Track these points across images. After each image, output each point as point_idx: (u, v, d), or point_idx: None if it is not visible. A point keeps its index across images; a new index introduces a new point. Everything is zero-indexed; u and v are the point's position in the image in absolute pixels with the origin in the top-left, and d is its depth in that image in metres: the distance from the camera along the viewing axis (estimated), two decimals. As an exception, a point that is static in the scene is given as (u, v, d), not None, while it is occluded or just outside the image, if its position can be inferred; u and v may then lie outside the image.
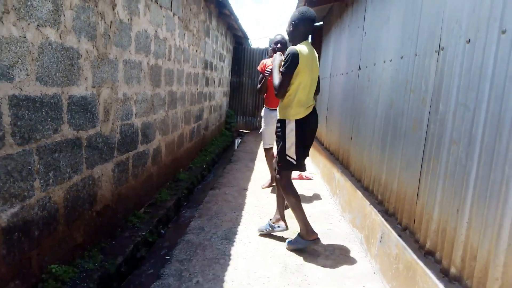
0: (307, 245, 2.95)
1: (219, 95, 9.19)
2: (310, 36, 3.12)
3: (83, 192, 2.65)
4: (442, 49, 1.97)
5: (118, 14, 3.02)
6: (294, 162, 2.91)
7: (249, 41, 12.62)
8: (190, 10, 5.51)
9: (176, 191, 4.61)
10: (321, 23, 7.15)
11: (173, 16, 4.62)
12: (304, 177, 5.47)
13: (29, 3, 1.96)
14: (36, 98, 2.07)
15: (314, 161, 6.42)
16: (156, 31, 3.98)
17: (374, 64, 3.26)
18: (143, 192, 3.89)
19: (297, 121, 2.86)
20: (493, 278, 1.42)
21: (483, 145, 1.56)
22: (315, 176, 5.65)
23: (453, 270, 1.71)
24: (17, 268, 1.99)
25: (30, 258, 2.10)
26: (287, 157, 2.91)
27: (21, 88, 1.94)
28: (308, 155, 3.07)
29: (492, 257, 1.44)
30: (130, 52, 3.32)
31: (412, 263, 2.00)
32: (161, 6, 4.11)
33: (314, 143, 6.78)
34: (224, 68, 9.59)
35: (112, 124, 3.05)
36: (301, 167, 3.01)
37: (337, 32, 5.37)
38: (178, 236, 3.39)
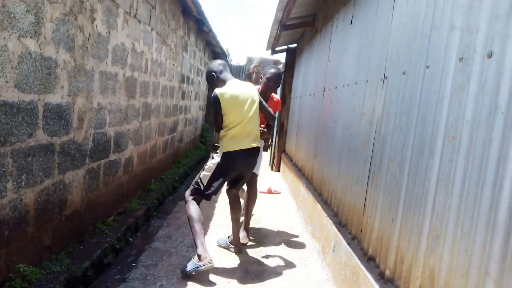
0: (197, 268, 2.67)
1: (195, 108, 9.36)
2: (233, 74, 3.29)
3: (54, 196, 2.75)
4: (386, 78, 2.24)
5: (96, 27, 3.19)
6: (202, 188, 2.97)
7: (228, 57, 12.92)
8: (169, 25, 5.71)
9: (146, 201, 4.70)
10: (295, 45, 7.51)
11: (151, 30, 4.81)
12: (273, 191, 5.68)
13: (12, 15, 2.10)
14: (13, 104, 2.19)
15: (284, 177, 6.65)
16: (133, 44, 4.15)
17: (336, 88, 3.55)
18: (113, 200, 3.98)
19: (224, 153, 2.93)
20: (414, 277, 1.64)
21: (411, 163, 1.81)
22: (284, 191, 5.87)
23: (387, 272, 1.93)
24: (-15, 265, 2.08)
25: (-2, 257, 2.19)
26: (199, 180, 3.00)
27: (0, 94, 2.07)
28: (222, 188, 3.09)
29: (415, 259, 1.67)
30: (107, 64, 3.47)
31: (357, 268, 2.21)
32: (139, 21, 4.29)
33: (285, 159, 7.01)
34: (201, 83, 9.78)
35: (86, 132, 3.17)
36: (207, 197, 3.00)
37: (307, 55, 5.70)
38: (145, 244, 3.50)
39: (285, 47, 7.58)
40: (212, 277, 2.81)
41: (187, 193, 3.06)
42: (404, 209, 1.83)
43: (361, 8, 2.93)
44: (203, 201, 3.06)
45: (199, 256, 2.69)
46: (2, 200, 2.17)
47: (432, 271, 1.52)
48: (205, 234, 3.75)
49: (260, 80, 3.80)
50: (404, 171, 1.86)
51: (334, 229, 2.85)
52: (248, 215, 3.70)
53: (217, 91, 2.91)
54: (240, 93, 2.94)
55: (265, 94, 3.71)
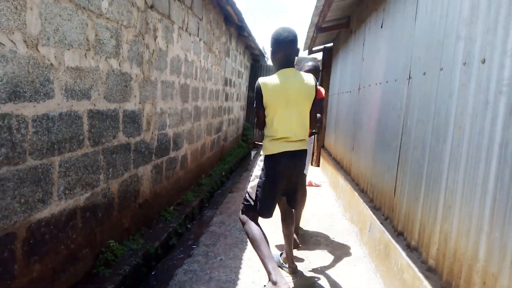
0: None
1: (237, 109, 9.90)
2: (296, 60, 2.65)
3: (130, 187, 3.32)
4: (411, 77, 2.58)
5: (158, 43, 3.74)
6: (252, 203, 2.53)
7: (265, 57, 13.38)
8: (213, 34, 6.25)
9: (200, 194, 5.26)
10: (331, 44, 7.82)
11: (199, 41, 5.35)
12: (313, 184, 6.05)
13: (101, 41, 2.66)
14: (103, 112, 2.75)
15: (324, 171, 6.99)
16: (186, 55, 4.70)
17: (369, 86, 3.88)
18: (173, 192, 4.55)
19: (266, 157, 2.50)
20: (433, 243, 1.99)
21: (430, 149, 2.15)
22: (324, 184, 6.23)
23: (413, 243, 2.29)
24: (87, 239, 2.65)
25: (95, 233, 2.76)
26: (247, 195, 2.58)
27: (94, 104, 2.63)
28: (276, 204, 2.59)
29: (433, 228, 2.02)
30: (166, 74, 4.03)
31: (388, 243, 2.58)
32: (190, 34, 4.83)
33: (324, 154, 7.35)
34: (242, 84, 10.31)
35: (152, 133, 3.74)
36: (262, 213, 2.54)
37: (343, 54, 6.03)
38: (203, 228, 4.03)
39: (322, 46, 7.91)
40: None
41: (241, 213, 2.64)
42: (425, 188, 2.18)
43: (390, 15, 3.26)
44: None
45: (274, 283, 2.26)
46: (97, 189, 2.74)
47: (446, 235, 1.87)
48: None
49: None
50: (425, 156, 2.21)
51: (369, 212, 3.22)
52: (298, 216, 3.53)
53: (261, 80, 2.47)
54: (289, 84, 2.44)
55: None
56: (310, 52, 7.97)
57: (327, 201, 5.12)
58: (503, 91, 1.48)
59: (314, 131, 3.50)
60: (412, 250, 2.28)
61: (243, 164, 8.51)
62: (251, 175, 2.63)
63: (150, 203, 3.83)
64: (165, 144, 4.13)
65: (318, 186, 6.05)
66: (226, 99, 8.05)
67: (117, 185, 3.04)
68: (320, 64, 9.32)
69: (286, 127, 2.47)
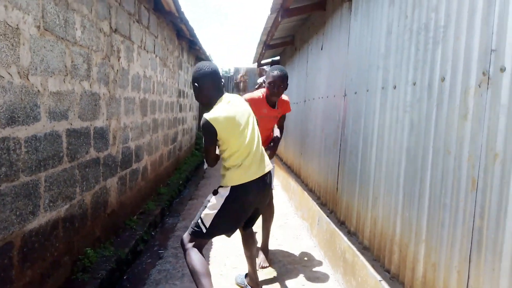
0: None
1: (190, 119, 10.20)
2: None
3: (101, 198, 3.57)
4: (346, 95, 3.14)
5: (121, 63, 4.03)
6: (204, 230, 2.33)
7: (214, 68, 13.79)
8: (168, 49, 6.57)
9: (160, 202, 5.52)
10: (278, 57, 8.43)
11: (155, 57, 5.65)
12: (266, 188, 6.54)
13: (76, 66, 2.94)
14: (78, 130, 3.02)
15: (276, 175, 7.53)
16: (144, 71, 4.99)
17: (313, 99, 4.45)
18: (136, 202, 4.80)
19: (233, 188, 2.30)
20: (366, 228, 2.54)
21: (362, 153, 2.70)
22: (277, 187, 6.75)
23: (352, 229, 2.83)
24: (67, 247, 2.89)
25: (73, 242, 3.00)
26: (199, 221, 2.36)
27: (71, 124, 2.89)
28: (234, 231, 2.46)
29: (366, 215, 2.56)
30: (128, 91, 4.31)
31: (333, 231, 3.10)
32: (147, 51, 5.13)
33: (276, 160, 7.90)
34: (193, 95, 10.63)
35: (117, 147, 4.00)
36: (208, 238, 2.44)
37: (289, 68, 6.62)
38: (168, 234, 4.34)
39: (270, 60, 8.49)
40: (227, 249, 3.65)
41: (185, 237, 2.41)
42: (359, 184, 2.73)
43: (328, 40, 3.84)
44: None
45: None
46: (74, 201, 2.99)
47: (375, 220, 2.41)
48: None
49: (263, 85, 3.15)
50: (358, 159, 2.75)
51: (317, 208, 3.75)
52: (266, 234, 3.36)
53: (208, 116, 2.25)
54: (235, 109, 2.35)
55: (270, 100, 3.14)
56: (259, 65, 8.53)
57: (280, 203, 5.62)
58: (407, 110, 2.03)
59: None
60: (352, 235, 2.82)
61: (198, 173, 8.82)
62: (206, 203, 2.39)
63: (117, 213, 4.07)
64: (128, 157, 4.39)
65: (272, 189, 6.56)
66: (180, 110, 8.34)
67: (90, 197, 3.29)
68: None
69: (248, 153, 2.31)
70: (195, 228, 2.38)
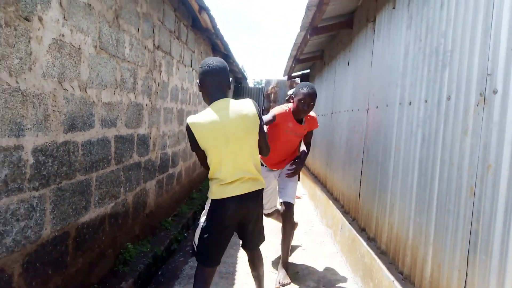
0: None
1: (222, 128, 10.59)
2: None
3: (141, 199, 3.92)
4: (369, 109, 3.34)
5: (162, 77, 4.41)
6: (195, 249, 2.25)
7: (246, 79, 14.21)
8: (203, 63, 6.98)
9: (192, 206, 5.86)
10: (308, 70, 8.68)
11: (192, 70, 6.05)
12: (294, 196, 6.75)
13: (124, 80, 3.31)
14: (124, 136, 3.38)
15: (303, 184, 7.72)
16: (182, 84, 5.38)
17: (340, 112, 4.65)
18: (171, 204, 5.15)
19: (212, 201, 2.18)
20: (384, 233, 2.72)
21: (382, 163, 2.89)
22: (304, 196, 6.94)
23: (371, 235, 3.00)
24: (111, 241, 3.23)
25: (116, 237, 3.35)
26: (193, 242, 2.31)
27: (119, 131, 3.26)
28: (221, 254, 2.27)
29: (384, 221, 2.74)
30: (167, 102, 4.69)
31: (355, 238, 3.28)
32: (185, 65, 5.53)
33: (304, 170, 8.10)
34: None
35: (156, 152, 4.36)
36: (202, 261, 2.22)
37: (318, 82, 6.86)
38: (199, 235, 4.64)
39: (300, 73, 8.75)
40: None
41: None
42: (378, 192, 2.91)
43: (354, 56, 4.06)
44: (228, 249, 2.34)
45: None
46: (118, 199, 3.34)
47: (391, 226, 2.59)
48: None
49: (291, 101, 3.14)
50: (378, 169, 2.94)
51: (341, 216, 3.93)
52: (285, 250, 3.25)
53: (189, 120, 2.14)
54: (224, 118, 2.09)
55: (297, 116, 3.13)
56: (290, 77, 8.80)
57: (306, 211, 5.81)
58: (420, 125, 2.22)
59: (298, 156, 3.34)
60: (371, 240, 3.00)
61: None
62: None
63: (154, 214, 4.42)
64: (165, 162, 4.75)
65: (299, 198, 6.75)
66: (213, 120, 8.75)
67: (132, 197, 3.64)
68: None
69: (231, 167, 2.11)
70: (192, 249, 2.29)
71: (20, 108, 1.95)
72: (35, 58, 2.05)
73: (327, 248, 4.05)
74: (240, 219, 2.22)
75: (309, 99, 3.01)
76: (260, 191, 2.25)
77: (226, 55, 8.40)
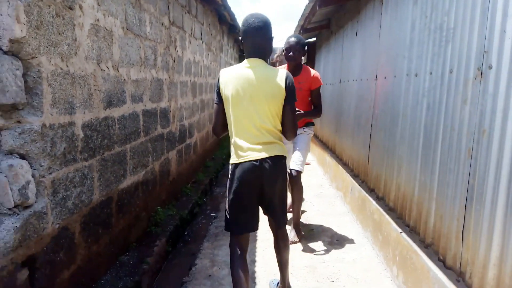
0: None
1: (230, 98, 10.81)
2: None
3: (165, 167, 4.24)
4: (377, 79, 3.56)
5: (177, 51, 4.61)
6: (228, 217, 2.17)
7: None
8: (211, 35, 7.11)
9: (208, 174, 6.21)
10: (314, 39, 8.76)
11: (202, 43, 6.22)
12: (303, 163, 7.07)
13: (147, 57, 3.54)
14: (149, 110, 3.65)
15: (312, 151, 8.03)
16: (194, 57, 5.58)
17: (348, 81, 4.86)
18: (189, 172, 5.48)
19: (231, 165, 2.15)
20: (391, 192, 3.02)
21: (390, 130, 3.16)
22: (313, 162, 7.26)
23: (380, 194, 3.32)
24: (144, 205, 3.57)
25: (148, 201, 3.69)
26: (225, 212, 2.21)
27: (145, 105, 3.53)
28: (249, 221, 2.17)
29: (391, 182, 3.04)
30: (182, 75, 4.91)
31: (364, 198, 3.60)
32: (196, 38, 5.70)
33: (312, 138, 8.38)
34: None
35: (175, 124, 4.64)
36: (233, 228, 2.17)
37: (325, 51, 6.99)
38: (218, 200, 5.00)
39: (306, 41, 8.84)
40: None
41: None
42: (386, 157, 3.19)
43: (362, 27, 4.22)
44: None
45: None
46: (148, 168, 3.65)
47: (399, 185, 2.89)
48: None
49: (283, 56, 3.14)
50: (386, 135, 3.21)
51: (350, 179, 4.24)
52: (296, 212, 3.40)
53: (222, 71, 2.15)
54: (252, 76, 2.02)
55: (291, 68, 3.22)
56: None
57: (316, 175, 6.15)
58: (425, 95, 2.46)
59: (310, 122, 3.41)
60: (380, 199, 3.32)
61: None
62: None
63: (176, 180, 4.76)
64: (183, 133, 5.04)
65: (308, 164, 7.08)
66: (222, 91, 8.96)
67: (158, 166, 3.96)
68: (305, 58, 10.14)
69: (247, 128, 2.04)
70: (225, 221, 2.21)
71: (70, 89, 2.22)
72: (79, 43, 2.29)
73: (338, 208, 4.39)
74: (260, 186, 2.08)
75: (294, 45, 3.09)
76: (280, 158, 2.11)
77: (232, 25, 8.49)
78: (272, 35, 2.16)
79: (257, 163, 2.03)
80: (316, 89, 3.34)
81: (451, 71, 2.12)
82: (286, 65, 3.36)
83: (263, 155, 2.05)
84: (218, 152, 8.03)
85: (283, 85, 2.06)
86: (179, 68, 4.70)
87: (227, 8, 6.60)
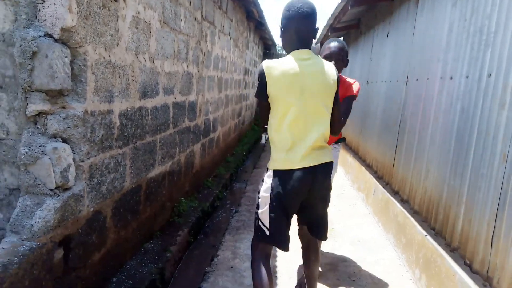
0: None
1: (252, 95, 10.85)
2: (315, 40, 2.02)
3: (190, 159, 4.31)
4: (408, 81, 3.54)
5: (207, 46, 4.68)
6: (267, 232, 1.92)
7: (276, 47, 14.24)
8: (239, 31, 7.16)
9: (229, 169, 6.27)
10: (341, 38, 8.71)
11: (230, 39, 6.27)
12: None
13: (180, 51, 3.61)
14: (179, 103, 3.72)
15: (332, 151, 8.02)
16: (222, 52, 5.64)
17: (376, 82, 4.83)
18: (211, 166, 5.56)
19: (275, 172, 1.89)
20: (418, 196, 3.00)
21: (419, 133, 3.13)
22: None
23: (405, 197, 3.30)
24: (169, 195, 3.65)
25: (172, 192, 3.76)
26: (259, 222, 1.95)
27: (175, 98, 3.60)
28: (288, 231, 1.95)
29: (418, 186, 3.02)
30: (210, 70, 4.98)
31: (388, 200, 3.59)
32: (224, 34, 5.76)
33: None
34: (256, 72, 11.24)
35: (201, 118, 4.71)
36: (278, 242, 1.93)
37: (353, 51, 6.95)
38: (238, 195, 5.05)
39: (332, 41, 8.80)
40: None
41: (252, 242, 2.04)
42: (414, 160, 3.18)
43: (394, 28, 4.19)
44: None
45: None
46: (174, 159, 3.73)
47: (425, 189, 2.87)
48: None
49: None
50: (415, 138, 3.19)
51: (374, 180, 4.23)
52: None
53: (265, 63, 1.87)
54: (304, 70, 1.81)
55: None
56: (322, 45, 8.87)
57: (337, 176, 6.14)
58: (460, 98, 2.44)
59: (342, 137, 2.97)
60: (404, 202, 3.30)
61: (258, 146, 9.55)
62: (258, 198, 1.97)
63: (199, 173, 4.84)
64: (208, 127, 5.12)
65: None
66: (245, 87, 9.00)
67: (184, 158, 4.04)
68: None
69: (300, 130, 1.84)
70: (258, 232, 1.96)
71: (111, 78, 2.30)
72: (121, 34, 2.37)
73: (359, 210, 4.38)
74: (305, 195, 1.89)
75: (337, 53, 2.57)
76: (330, 164, 1.92)
77: (259, 22, 8.52)
78: (317, 26, 1.91)
79: (310, 172, 1.83)
80: (349, 97, 2.78)
81: (489, 75, 2.10)
82: None
83: (317, 161, 1.85)
84: (239, 147, 8.09)
85: (335, 78, 1.88)
86: (207, 63, 4.76)
87: (256, 4, 6.63)
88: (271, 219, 1.89)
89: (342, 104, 2.67)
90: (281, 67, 1.82)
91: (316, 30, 1.89)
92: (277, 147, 1.89)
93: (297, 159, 1.83)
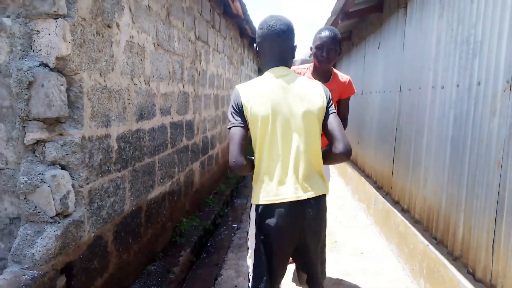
0: None
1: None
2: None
3: (189, 178, 4.33)
4: (401, 91, 3.58)
5: (202, 65, 4.74)
6: (250, 277, 1.74)
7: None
8: (233, 48, 7.25)
9: (229, 185, 6.28)
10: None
11: (224, 56, 6.35)
12: (324, 174, 7.06)
13: (175, 71, 3.66)
14: (176, 123, 3.75)
15: (331, 163, 8.04)
16: (217, 70, 5.70)
17: (371, 93, 4.88)
18: (211, 183, 5.56)
19: (256, 208, 1.67)
20: (418, 206, 3.01)
21: (414, 142, 3.16)
22: (333, 174, 7.25)
23: (405, 207, 3.30)
24: (169, 215, 3.65)
25: (173, 212, 3.77)
26: (250, 270, 1.76)
27: (172, 118, 3.63)
28: (278, 281, 1.73)
29: (418, 195, 3.03)
30: (206, 88, 5.03)
31: (389, 210, 3.59)
32: (219, 52, 5.83)
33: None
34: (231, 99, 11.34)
35: (199, 136, 4.74)
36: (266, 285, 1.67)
37: (346, 62, 7.04)
38: (239, 212, 5.04)
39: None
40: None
41: None
42: (412, 169, 3.19)
43: (385, 40, 4.26)
44: None
45: None
46: (174, 179, 3.74)
47: (425, 198, 2.88)
48: None
49: (310, 57, 2.50)
50: (411, 147, 3.21)
51: (374, 191, 4.23)
52: None
53: (239, 87, 1.71)
54: (281, 89, 1.65)
55: (320, 72, 2.53)
56: (315, 58, 8.97)
57: (337, 187, 6.13)
58: (452, 107, 2.48)
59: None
60: (405, 212, 3.31)
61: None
62: (248, 241, 1.80)
63: (199, 191, 4.84)
64: (206, 145, 5.14)
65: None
66: (242, 103, 9.08)
67: (183, 177, 4.05)
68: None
69: (284, 155, 1.61)
70: (250, 282, 1.74)
71: (107, 103, 2.33)
72: (115, 59, 2.41)
73: (361, 220, 4.38)
74: (298, 234, 1.65)
75: (329, 43, 2.33)
76: (324, 198, 1.69)
77: (253, 38, 8.63)
78: (295, 43, 1.76)
79: (298, 206, 1.60)
80: (347, 98, 2.74)
81: (479, 84, 2.14)
82: (309, 65, 2.67)
83: (306, 195, 1.60)
84: (239, 163, 8.11)
85: (323, 99, 1.67)
86: (203, 81, 4.82)
87: (249, 22, 6.74)
88: (256, 264, 1.67)
89: (344, 103, 2.69)
90: (259, 88, 1.65)
91: (293, 48, 1.75)
92: (259, 180, 1.65)
93: (279, 191, 1.59)
